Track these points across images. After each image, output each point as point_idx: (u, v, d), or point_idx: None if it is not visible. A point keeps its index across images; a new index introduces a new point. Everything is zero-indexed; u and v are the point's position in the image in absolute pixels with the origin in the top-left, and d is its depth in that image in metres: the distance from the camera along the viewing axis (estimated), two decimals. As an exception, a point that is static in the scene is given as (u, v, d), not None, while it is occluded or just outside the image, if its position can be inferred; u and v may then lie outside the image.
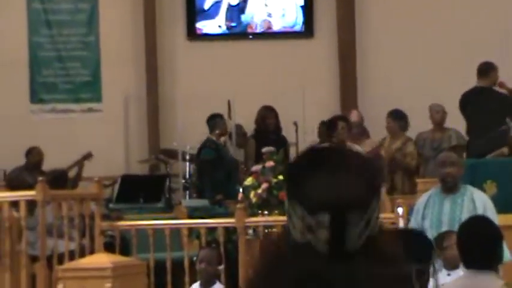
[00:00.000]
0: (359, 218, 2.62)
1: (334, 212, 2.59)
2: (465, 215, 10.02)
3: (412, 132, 17.70)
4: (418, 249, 5.60)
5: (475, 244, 6.74)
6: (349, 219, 2.60)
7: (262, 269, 2.78)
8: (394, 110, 17.54)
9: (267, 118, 18.27)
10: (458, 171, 11.12)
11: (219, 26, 20.61)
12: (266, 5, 20.58)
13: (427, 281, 5.72)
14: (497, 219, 9.68)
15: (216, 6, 20.31)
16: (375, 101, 19.42)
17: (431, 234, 9.56)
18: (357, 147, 14.66)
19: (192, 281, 12.02)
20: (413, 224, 10.65)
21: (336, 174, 2.71)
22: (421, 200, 10.83)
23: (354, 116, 17.34)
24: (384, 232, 2.88)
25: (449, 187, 10.53)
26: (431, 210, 10.53)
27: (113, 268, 11.69)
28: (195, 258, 11.70)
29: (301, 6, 20.30)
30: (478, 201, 11.13)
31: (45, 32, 20.25)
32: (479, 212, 10.71)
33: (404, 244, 3.72)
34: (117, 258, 12.46)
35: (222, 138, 17.70)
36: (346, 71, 20.22)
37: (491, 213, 10.57)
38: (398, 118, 17.25)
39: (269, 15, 20.50)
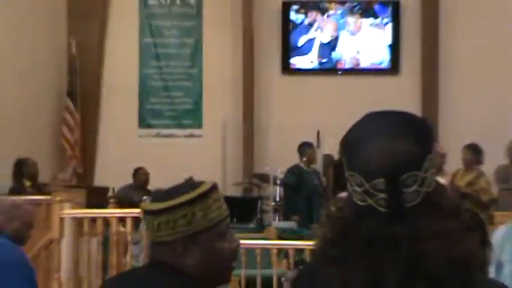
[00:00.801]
0: (413, 179, 2.84)
1: (387, 178, 2.82)
2: None
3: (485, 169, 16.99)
4: None
5: None
6: (403, 181, 2.83)
7: (331, 235, 3.01)
8: (472, 144, 16.79)
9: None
10: None
11: (311, 62, 20.94)
12: (355, 43, 20.53)
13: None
14: None
15: (309, 43, 20.70)
16: (454, 137, 19.16)
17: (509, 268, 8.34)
18: (440, 179, 15.96)
19: (280, 298, 12.40)
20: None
21: (387, 140, 2.91)
22: (499, 232, 8.79)
23: (440, 148, 16.28)
24: (441, 187, 2.99)
25: None
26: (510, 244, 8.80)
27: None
28: (283, 279, 12.15)
29: (389, 45, 20.61)
30: None
31: (154, 64, 20.95)
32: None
33: None
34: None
35: (312, 166, 17.98)
36: (428, 108, 20.37)
37: None
38: (475, 151, 16.51)
39: (358, 52, 20.59)
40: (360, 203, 2.79)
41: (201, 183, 3.60)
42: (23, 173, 16.66)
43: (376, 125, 2.87)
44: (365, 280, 2.82)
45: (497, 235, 8.81)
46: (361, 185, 2.78)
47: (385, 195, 2.72)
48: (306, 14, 20.75)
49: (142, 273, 3.74)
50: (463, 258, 2.80)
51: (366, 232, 2.78)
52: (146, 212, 3.56)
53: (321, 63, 20.96)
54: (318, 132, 18.60)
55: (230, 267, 3.69)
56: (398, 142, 2.78)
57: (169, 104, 20.95)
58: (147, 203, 3.58)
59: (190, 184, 3.66)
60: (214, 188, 3.58)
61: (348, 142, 2.91)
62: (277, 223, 17.24)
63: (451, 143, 18.08)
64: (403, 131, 2.81)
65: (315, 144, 18.41)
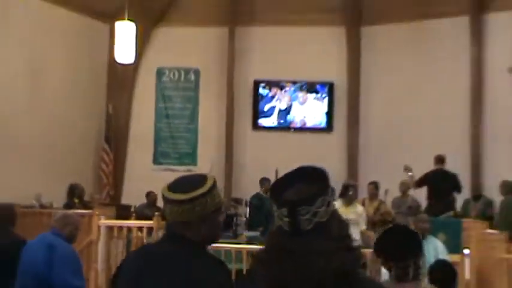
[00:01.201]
0: (306, 210, 3.29)
1: (288, 208, 3.29)
2: (431, 256, 10.48)
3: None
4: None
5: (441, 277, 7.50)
6: (299, 212, 3.28)
7: (265, 244, 3.55)
8: (374, 181, 17.85)
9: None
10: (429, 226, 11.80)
11: (272, 122, 21.74)
12: (303, 110, 21.60)
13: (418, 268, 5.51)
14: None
15: (271, 109, 21.64)
16: (369, 174, 19.44)
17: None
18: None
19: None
20: None
21: (297, 185, 3.41)
22: None
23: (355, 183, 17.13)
24: (335, 219, 3.37)
25: (423, 236, 10.16)
26: None
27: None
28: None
29: (326, 112, 21.39)
30: (440, 247, 11.89)
31: (164, 121, 21.83)
32: (439, 254, 11.47)
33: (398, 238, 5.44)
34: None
35: (268, 194, 16.29)
36: (351, 153, 21.09)
37: (445, 255, 11.44)
38: (376, 187, 17.54)
39: (304, 116, 21.58)
40: (277, 224, 3.37)
41: (206, 177, 3.99)
42: (74, 194, 17.46)
43: (293, 175, 3.48)
44: (275, 278, 3.33)
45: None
46: (276, 212, 3.35)
47: (288, 220, 3.28)
48: (269, 89, 21.68)
49: (167, 243, 4.07)
50: (338, 269, 3.25)
51: (276, 243, 3.37)
52: (172, 201, 3.91)
53: (279, 123, 21.78)
54: (276, 171, 17.59)
55: (220, 232, 4.13)
56: (302, 186, 3.36)
57: (174, 148, 21.85)
58: (172, 194, 3.90)
59: (200, 178, 3.98)
60: (216, 181, 3.99)
61: (273, 185, 3.59)
62: (246, 233, 17.27)
63: (364, 179, 19.31)
64: (308, 179, 3.40)
65: (272, 179, 17.86)
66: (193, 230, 3.86)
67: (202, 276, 3.81)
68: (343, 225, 3.41)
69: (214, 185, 3.89)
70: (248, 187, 19.76)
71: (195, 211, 3.81)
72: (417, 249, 5.41)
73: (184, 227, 3.86)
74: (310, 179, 3.37)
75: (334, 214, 3.34)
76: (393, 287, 5.21)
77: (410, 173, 17.53)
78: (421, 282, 5.42)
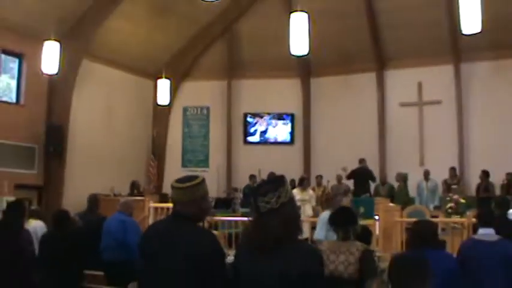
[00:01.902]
0: (269, 198, 3.52)
1: (256, 198, 3.55)
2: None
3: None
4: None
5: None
6: (262, 199, 3.53)
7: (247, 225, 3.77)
8: (320, 175, 18.41)
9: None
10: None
11: (256, 139, 21.49)
12: (275, 131, 21.40)
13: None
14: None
15: (255, 131, 21.41)
16: (317, 170, 19.59)
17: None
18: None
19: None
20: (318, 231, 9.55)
21: (265, 185, 3.64)
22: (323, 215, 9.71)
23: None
24: (289, 203, 3.51)
25: None
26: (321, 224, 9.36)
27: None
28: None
29: (289, 132, 21.28)
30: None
31: (188, 140, 21.62)
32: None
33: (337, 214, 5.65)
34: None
35: (254, 185, 16.79)
36: (306, 160, 20.96)
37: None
38: (321, 178, 18.17)
39: (276, 134, 21.40)
40: (255, 208, 3.57)
41: (198, 177, 3.98)
42: (134, 187, 17.77)
43: (269, 179, 3.76)
44: (250, 236, 3.62)
45: (320, 217, 9.90)
46: (254, 201, 3.58)
47: (253, 206, 3.56)
48: (254, 118, 21.52)
49: (171, 219, 4.01)
50: (281, 232, 3.46)
51: (252, 220, 3.64)
52: (175, 188, 3.95)
53: (260, 140, 21.54)
54: (259, 170, 18.83)
55: (205, 213, 4.13)
56: (264, 186, 3.62)
57: (194, 157, 21.54)
58: (176, 184, 3.94)
59: (194, 177, 3.98)
60: (204, 179, 3.97)
61: (258, 184, 3.81)
62: (241, 209, 17.04)
63: (314, 173, 19.23)
64: (269, 182, 3.64)
65: (257, 175, 18.87)
66: (185, 208, 3.88)
67: (191, 238, 3.80)
68: (294, 210, 3.70)
69: (202, 182, 3.95)
70: (242, 181, 19.64)
71: (187, 196, 3.87)
72: (354, 220, 5.63)
73: (181, 206, 3.91)
74: (270, 182, 3.67)
75: (285, 204, 3.56)
76: (340, 244, 5.37)
77: (344, 172, 17.54)
78: (355, 241, 5.50)
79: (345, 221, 5.54)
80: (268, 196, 3.54)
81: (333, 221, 5.65)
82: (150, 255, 3.95)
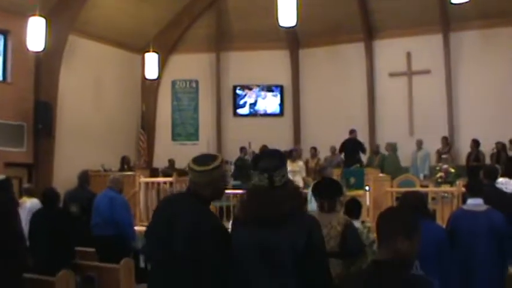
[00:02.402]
0: (279, 173, 3.61)
1: (269, 173, 3.59)
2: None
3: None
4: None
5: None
6: (275, 174, 3.60)
7: (244, 199, 3.78)
8: (314, 147, 18.42)
9: (264, 149, 16.14)
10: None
11: (246, 111, 21.52)
12: (265, 103, 21.39)
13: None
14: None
15: (245, 103, 21.39)
16: (309, 139, 19.82)
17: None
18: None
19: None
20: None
21: (269, 158, 3.68)
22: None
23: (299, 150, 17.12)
24: (289, 181, 3.65)
25: None
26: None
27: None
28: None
29: (279, 104, 21.27)
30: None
31: (177, 114, 21.52)
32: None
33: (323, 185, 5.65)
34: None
35: (245, 157, 18.37)
36: (296, 131, 21.03)
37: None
38: (316, 150, 18.19)
39: (265, 106, 21.41)
40: (255, 183, 3.66)
41: (217, 157, 3.95)
42: (124, 162, 17.83)
43: (265, 153, 3.86)
44: (256, 210, 3.60)
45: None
46: (257, 176, 3.64)
47: (267, 179, 3.59)
48: (243, 90, 21.49)
49: (186, 195, 4.00)
50: (293, 206, 3.57)
51: (258, 192, 3.64)
52: (193, 170, 3.88)
53: (250, 112, 21.52)
54: (249, 143, 19.02)
55: (222, 193, 4.04)
56: (273, 160, 3.68)
57: (184, 130, 21.47)
58: (194, 165, 3.86)
59: (213, 157, 3.95)
60: (223, 160, 3.96)
61: (256, 157, 3.84)
62: (232, 182, 16.93)
63: (305, 145, 18.96)
64: (275, 155, 3.72)
65: (247, 148, 18.97)
66: (203, 190, 3.86)
67: (202, 219, 3.79)
68: (294, 184, 3.88)
69: (221, 163, 3.92)
70: (232, 153, 19.49)
71: (206, 178, 3.83)
72: (339, 192, 5.67)
73: (198, 187, 3.87)
74: (275, 157, 3.73)
75: (288, 181, 3.72)
76: (323, 216, 5.23)
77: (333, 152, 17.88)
78: (340, 213, 5.60)
79: (330, 193, 5.50)
80: (278, 172, 3.61)
81: (317, 192, 5.59)
82: (158, 238, 3.97)
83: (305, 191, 8.27)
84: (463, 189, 7.86)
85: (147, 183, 14.53)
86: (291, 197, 3.61)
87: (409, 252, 3.11)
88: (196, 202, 3.87)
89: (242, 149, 18.99)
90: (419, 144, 18.08)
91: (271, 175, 3.60)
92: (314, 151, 18.41)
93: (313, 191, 5.68)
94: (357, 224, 7.02)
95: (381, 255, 3.17)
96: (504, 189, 8.13)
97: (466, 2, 12.56)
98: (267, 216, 3.53)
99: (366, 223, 8.05)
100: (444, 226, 6.22)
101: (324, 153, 18.37)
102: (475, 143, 17.08)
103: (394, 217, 3.23)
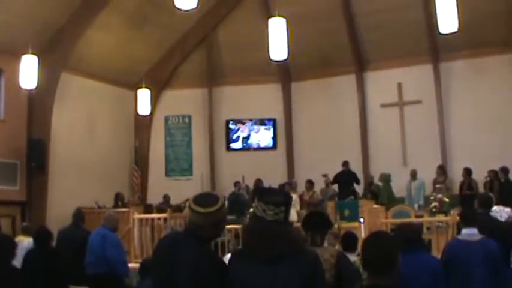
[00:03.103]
0: (282, 210, 3.57)
1: (286, 207, 3.58)
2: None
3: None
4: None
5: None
6: (280, 210, 3.56)
7: (246, 228, 3.82)
8: (310, 180, 17.67)
9: (259, 183, 17.62)
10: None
11: (239, 145, 21.35)
12: (258, 136, 21.28)
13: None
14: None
15: (238, 137, 21.26)
16: (303, 172, 19.49)
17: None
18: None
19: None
20: None
21: (278, 194, 3.73)
22: None
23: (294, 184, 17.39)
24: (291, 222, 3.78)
25: None
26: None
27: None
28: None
29: (272, 137, 21.14)
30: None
31: (171, 149, 21.39)
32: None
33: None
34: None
35: (240, 191, 18.33)
36: (290, 163, 20.84)
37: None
38: (310, 183, 17.45)
39: (259, 140, 21.26)
40: (259, 214, 3.58)
41: (219, 198, 3.86)
42: (118, 199, 17.72)
43: (273, 189, 4.22)
44: (259, 245, 3.53)
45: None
46: (262, 208, 3.56)
47: (272, 213, 3.54)
48: (236, 124, 21.39)
49: (187, 235, 3.88)
50: (299, 241, 3.69)
51: (259, 227, 3.57)
52: (195, 211, 3.77)
53: (243, 146, 21.38)
54: (243, 177, 18.92)
55: (221, 233, 4.15)
56: (284, 196, 3.70)
57: (177, 166, 21.35)
58: (196, 206, 3.75)
59: (215, 198, 3.85)
60: (225, 201, 3.96)
61: (260, 190, 5.05)
62: (228, 217, 17.28)
63: (299, 178, 18.88)
64: (280, 194, 3.73)
65: (241, 182, 18.79)
66: (204, 230, 3.77)
67: (206, 260, 3.72)
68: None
69: (223, 205, 3.84)
70: (226, 188, 19.41)
71: (208, 220, 3.75)
72: (330, 224, 5.64)
73: (198, 227, 3.78)
74: (281, 195, 3.72)
75: (288, 220, 3.72)
76: (318, 249, 4.87)
77: (326, 177, 17.76)
78: (328, 246, 5.57)
79: (319, 226, 5.42)
80: (280, 208, 3.58)
81: (307, 226, 5.49)
82: (161, 279, 3.89)
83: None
84: (458, 218, 7.92)
85: (141, 220, 14.36)
86: (298, 232, 3.88)
87: (394, 277, 3.14)
88: (198, 242, 3.79)
89: (236, 184, 18.77)
90: (414, 174, 17.99)
91: (287, 209, 3.60)
92: (309, 184, 18.01)
93: (303, 225, 5.52)
94: (353, 257, 6.99)
95: (369, 281, 3.20)
96: (498, 218, 8.16)
97: (455, 32, 12.62)
98: (276, 252, 3.49)
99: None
100: (439, 256, 6.21)
101: (318, 186, 18.15)
102: (467, 172, 17.05)
103: (377, 243, 3.24)
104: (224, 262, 3.90)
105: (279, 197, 3.64)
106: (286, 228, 3.58)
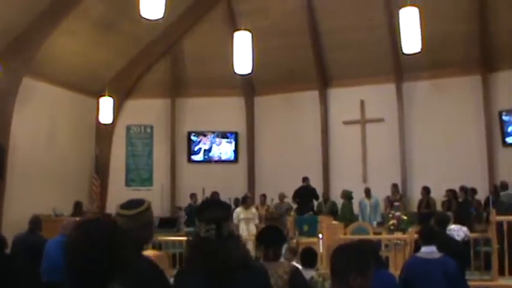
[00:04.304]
0: (226, 224, 3.53)
1: (216, 224, 3.47)
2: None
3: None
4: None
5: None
6: (223, 225, 3.49)
7: (189, 251, 3.68)
8: (264, 194, 18.50)
9: (215, 196, 17.98)
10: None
11: (200, 157, 21.36)
12: (220, 149, 21.33)
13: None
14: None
15: (199, 149, 21.29)
16: (264, 186, 20.02)
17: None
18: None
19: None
20: None
21: (215, 209, 3.60)
22: None
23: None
24: (233, 231, 3.55)
25: None
26: None
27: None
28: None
29: (233, 150, 21.25)
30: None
31: (131, 159, 21.29)
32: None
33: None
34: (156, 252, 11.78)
35: (197, 203, 17.84)
36: (251, 178, 21.07)
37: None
38: (265, 197, 18.21)
39: (220, 153, 21.32)
40: (202, 234, 3.51)
41: (144, 202, 3.81)
42: (77, 207, 17.47)
43: (213, 203, 4.08)
44: (207, 262, 3.44)
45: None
46: (203, 227, 3.49)
47: (215, 231, 3.45)
48: (198, 136, 21.39)
49: None
50: (238, 257, 3.46)
51: (204, 245, 3.48)
52: (120, 215, 3.75)
53: (204, 158, 21.39)
54: (203, 189, 18.67)
55: (151, 237, 3.96)
56: (220, 211, 3.59)
57: (138, 176, 21.31)
58: (121, 210, 3.76)
59: (140, 202, 3.80)
60: (150, 205, 3.80)
61: (201, 207, 3.72)
62: (186, 228, 17.07)
63: (258, 191, 19.47)
64: (221, 206, 3.67)
65: (199, 195, 18.64)
66: (135, 235, 3.60)
67: (143, 267, 3.58)
68: (238, 235, 3.77)
69: (149, 207, 3.80)
70: (186, 199, 19.42)
71: (133, 223, 3.67)
72: (284, 239, 5.55)
73: (130, 233, 3.54)
74: (221, 207, 3.65)
75: (233, 229, 3.63)
76: (270, 264, 4.97)
77: (285, 199, 17.97)
78: (283, 261, 5.47)
79: (273, 240, 5.34)
80: (211, 226, 3.51)
81: (261, 241, 5.41)
82: None
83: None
84: (416, 236, 7.90)
85: None
86: (240, 247, 3.56)
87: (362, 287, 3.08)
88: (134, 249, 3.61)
89: (192, 196, 18.88)
90: (368, 192, 18.09)
91: (219, 226, 3.50)
92: (263, 198, 18.43)
93: (256, 239, 5.49)
94: (312, 273, 7.06)
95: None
96: (456, 236, 8.24)
97: (418, 53, 12.81)
98: (213, 268, 3.43)
99: (320, 271, 7.93)
100: (398, 274, 6.27)
101: (275, 200, 18.25)
102: (426, 190, 17.24)
103: (348, 253, 3.20)
104: (163, 271, 3.86)
105: (213, 213, 3.56)
106: (223, 244, 3.48)
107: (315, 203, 18.34)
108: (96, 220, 2.72)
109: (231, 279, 3.42)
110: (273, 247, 5.26)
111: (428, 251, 6.20)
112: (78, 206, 17.68)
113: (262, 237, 5.40)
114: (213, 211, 3.57)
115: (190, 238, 3.75)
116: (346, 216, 16.93)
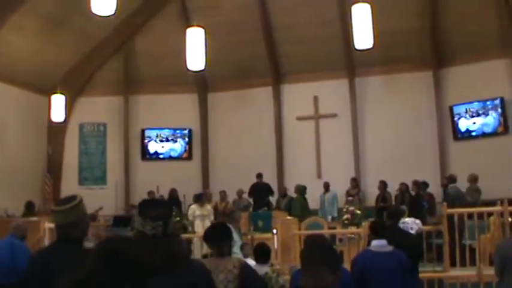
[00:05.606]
0: (170, 221, 3.53)
1: (164, 221, 3.47)
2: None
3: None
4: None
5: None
6: (169, 222, 3.51)
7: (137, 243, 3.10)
8: (223, 190, 18.06)
9: (173, 193, 18.78)
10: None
11: (154, 155, 21.27)
12: (173, 146, 21.18)
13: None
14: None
15: (153, 147, 21.20)
16: (218, 182, 19.90)
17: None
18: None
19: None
20: None
21: (159, 207, 3.61)
22: None
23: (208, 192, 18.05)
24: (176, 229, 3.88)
25: None
26: None
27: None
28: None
29: (187, 147, 21.18)
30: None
31: (85, 157, 21.10)
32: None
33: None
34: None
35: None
36: (205, 174, 21.04)
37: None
38: (225, 194, 17.97)
39: (174, 150, 21.21)
40: (140, 229, 3.51)
41: (76, 197, 3.92)
42: (29, 207, 16.79)
43: (156, 201, 4.09)
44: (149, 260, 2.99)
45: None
46: (146, 223, 3.49)
47: (162, 227, 3.46)
48: (151, 134, 21.29)
49: (57, 244, 3.95)
50: (185, 253, 3.61)
51: (148, 241, 3.41)
52: (57, 211, 3.86)
53: (158, 156, 21.34)
54: (157, 187, 18.89)
55: (85, 232, 4.00)
56: (165, 208, 3.62)
57: (91, 174, 21.12)
58: (56, 207, 3.89)
59: (73, 196, 3.92)
60: (81, 199, 3.91)
61: (143, 205, 3.67)
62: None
63: (214, 188, 19.19)
64: (164, 204, 4.06)
65: (155, 192, 18.82)
66: (69, 231, 3.82)
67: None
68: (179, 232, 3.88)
69: (80, 202, 3.91)
70: (140, 197, 17.27)
71: (69, 217, 3.80)
72: (229, 236, 5.40)
73: (63, 229, 3.86)
74: (165, 205, 3.80)
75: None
76: (218, 262, 5.11)
77: (244, 195, 18.13)
78: (231, 257, 5.43)
79: (218, 237, 5.36)
80: (158, 223, 3.52)
81: (207, 239, 5.48)
82: (37, 285, 3.76)
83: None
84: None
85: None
86: (184, 243, 3.71)
87: (332, 285, 3.12)
88: (72, 247, 3.76)
89: (150, 193, 18.73)
90: (327, 186, 18.34)
91: (166, 223, 3.52)
92: (223, 194, 18.32)
93: (203, 236, 5.55)
94: (265, 268, 7.10)
95: (304, 283, 3.17)
96: (409, 229, 8.35)
97: (370, 49, 12.99)
98: (157, 265, 3.26)
99: (275, 266, 8.07)
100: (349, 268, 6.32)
101: (232, 197, 18.34)
102: (383, 184, 17.50)
103: (321, 248, 3.32)
104: None
105: (158, 210, 3.58)
106: (167, 241, 3.50)
107: (272, 198, 18.51)
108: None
109: (176, 274, 3.44)
110: (220, 244, 5.29)
111: (379, 244, 6.31)
112: (30, 206, 17.17)
113: (208, 236, 5.44)
114: (157, 209, 3.60)
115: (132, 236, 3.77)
116: (297, 211, 16.92)
